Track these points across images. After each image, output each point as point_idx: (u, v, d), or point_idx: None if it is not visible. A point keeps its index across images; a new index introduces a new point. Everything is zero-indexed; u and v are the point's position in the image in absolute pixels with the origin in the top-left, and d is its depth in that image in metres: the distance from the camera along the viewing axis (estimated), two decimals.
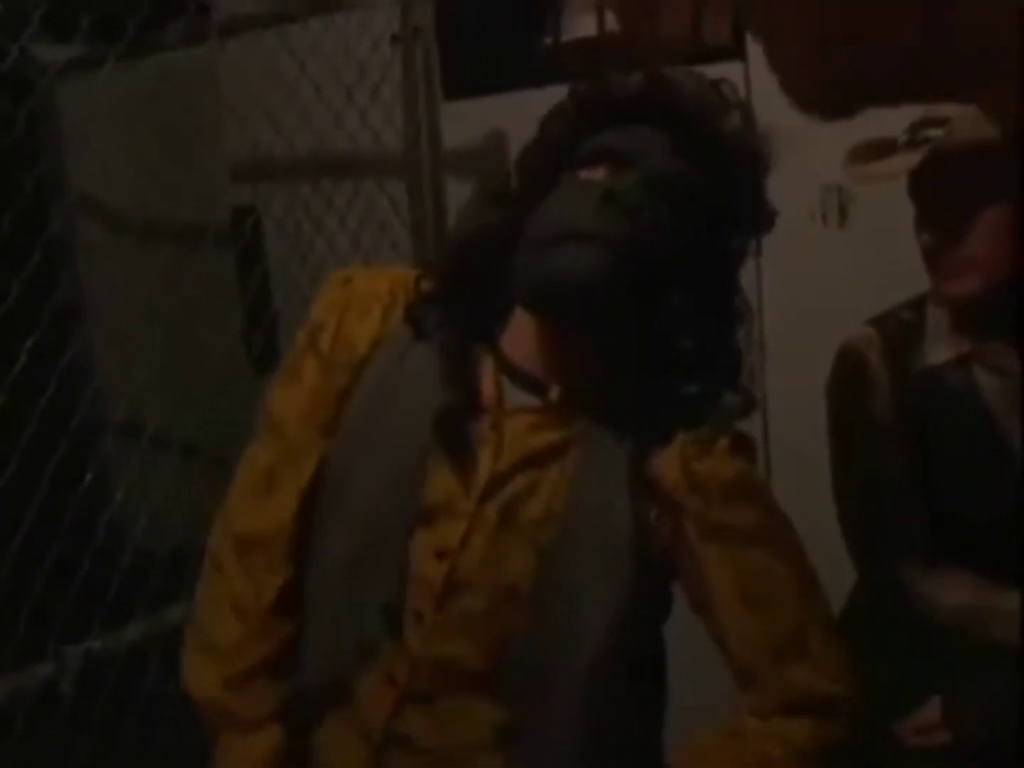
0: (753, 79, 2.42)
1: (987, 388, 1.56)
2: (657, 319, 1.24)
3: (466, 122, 2.62)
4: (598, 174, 1.23)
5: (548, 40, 2.64)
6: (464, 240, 1.33)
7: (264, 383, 1.44)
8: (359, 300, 1.31)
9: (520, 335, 1.27)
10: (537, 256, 1.20)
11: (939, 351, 1.61)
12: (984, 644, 1.52)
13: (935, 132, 1.52)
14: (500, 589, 1.23)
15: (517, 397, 1.26)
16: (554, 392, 1.25)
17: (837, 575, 1.74)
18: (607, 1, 2.61)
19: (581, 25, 2.58)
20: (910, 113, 1.58)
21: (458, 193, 2.66)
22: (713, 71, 2.42)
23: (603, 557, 1.24)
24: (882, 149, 1.58)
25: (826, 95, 0.64)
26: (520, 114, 2.59)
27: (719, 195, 1.24)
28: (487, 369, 1.27)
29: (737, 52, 2.42)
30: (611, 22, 2.74)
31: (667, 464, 1.25)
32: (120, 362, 2.52)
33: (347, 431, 1.29)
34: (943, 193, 1.52)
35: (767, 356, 2.44)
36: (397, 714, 1.27)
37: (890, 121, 1.64)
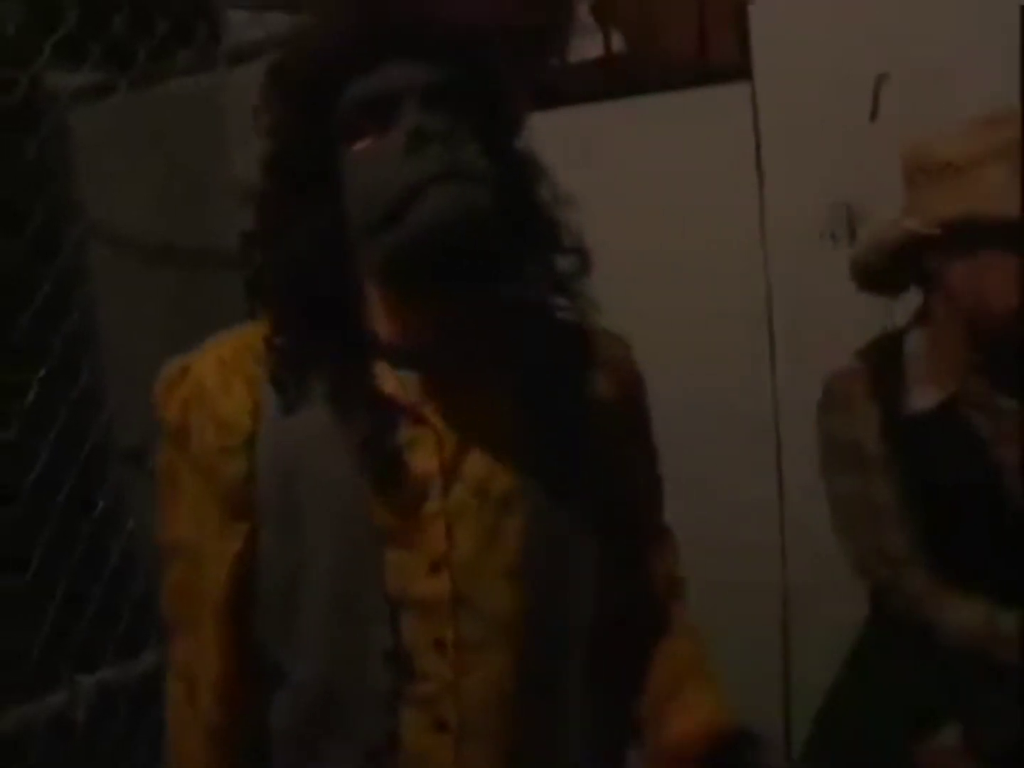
0: (760, 98, 2.43)
1: (977, 425, 1.59)
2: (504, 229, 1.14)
3: None
4: (380, 134, 1.11)
5: (555, 62, 2.65)
6: (280, 283, 1.18)
7: None
8: (212, 379, 1.19)
9: (391, 324, 1.18)
10: (392, 226, 1.08)
11: (923, 392, 1.64)
12: (995, 667, 1.52)
13: None
14: (504, 572, 1.17)
15: (417, 382, 1.18)
16: (445, 359, 1.17)
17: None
18: (614, 22, 2.62)
19: (588, 46, 2.58)
20: None
21: None
22: (720, 91, 2.43)
23: (576, 502, 1.20)
24: None
25: None
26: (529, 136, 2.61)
27: (484, 78, 1.16)
28: (380, 373, 1.17)
29: (743, 71, 2.43)
30: (618, 43, 2.75)
31: (599, 369, 1.25)
32: (131, 388, 2.52)
33: (269, 514, 1.18)
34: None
35: (777, 373, 2.44)
36: (461, 761, 1.17)
37: None
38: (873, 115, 2.26)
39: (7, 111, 1.85)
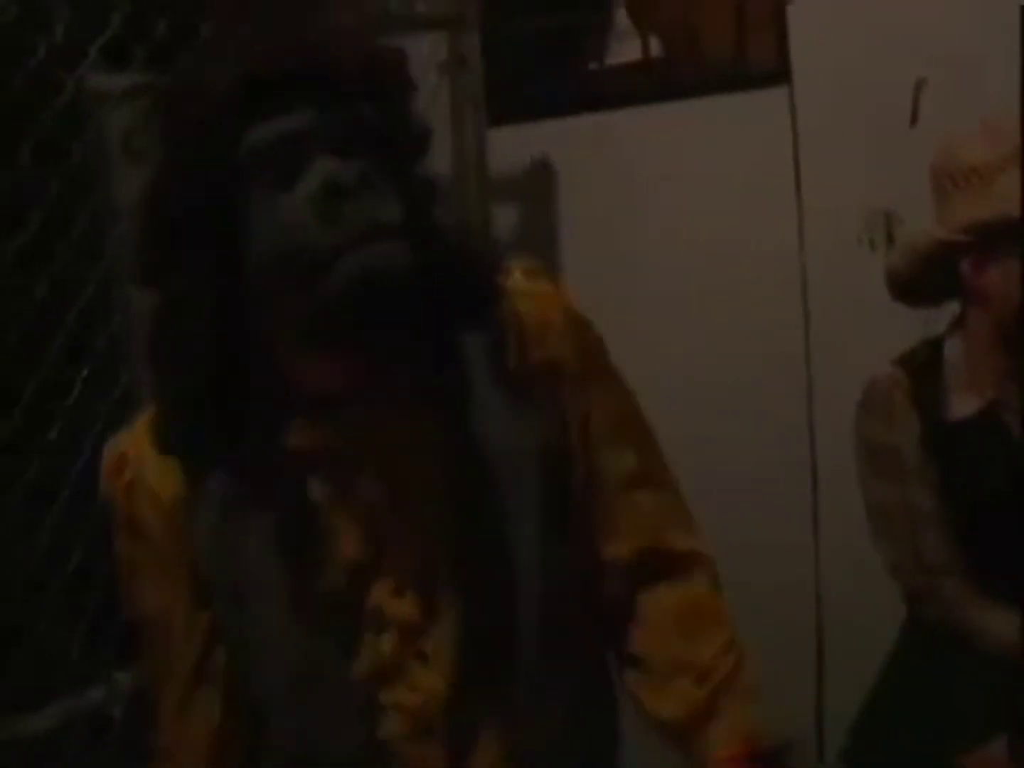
0: (799, 102, 2.42)
1: (1015, 430, 1.61)
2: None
3: (510, 148, 2.63)
4: (289, 181, 1.05)
5: (593, 65, 2.66)
6: (169, 351, 1.12)
7: None
8: (149, 461, 1.16)
9: (305, 374, 1.13)
10: (311, 286, 1.04)
11: (963, 400, 1.65)
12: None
13: None
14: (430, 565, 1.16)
15: (336, 430, 1.14)
16: (368, 403, 1.13)
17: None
18: (651, 25, 2.62)
19: (626, 50, 2.59)
20: None
21: (503, 220, 2.67)
22: (758, 96, 2.43)
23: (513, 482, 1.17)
24: None
25: None
26: (565, 140, 2.62)
27: (390, 113, 1.11)
28: (295, 430, 1.13)
29: (782, 75, 2.43)
30: (656, 47, 2.75)
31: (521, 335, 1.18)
32: None
33: (217, 580, 1.18)
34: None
35: (813, 378, 2.43)
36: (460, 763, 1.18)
37: None
38: (913, 120, 2.25)
39: (54, 113, 1.87)
